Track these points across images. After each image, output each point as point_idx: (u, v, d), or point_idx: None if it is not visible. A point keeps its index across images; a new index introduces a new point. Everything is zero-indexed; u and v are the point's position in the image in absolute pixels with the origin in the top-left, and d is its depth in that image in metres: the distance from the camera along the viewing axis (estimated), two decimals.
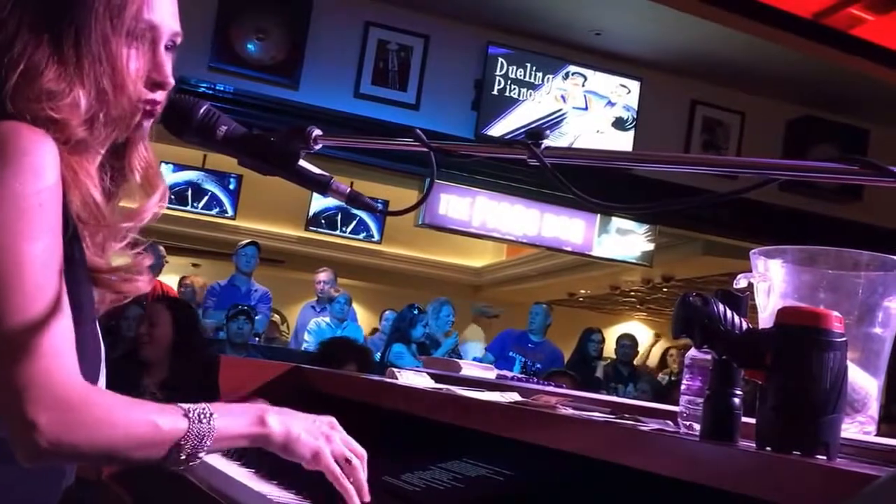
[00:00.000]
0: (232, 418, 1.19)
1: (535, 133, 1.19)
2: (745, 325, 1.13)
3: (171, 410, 1.14)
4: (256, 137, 1.33)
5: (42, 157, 1.10)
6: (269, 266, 9.22)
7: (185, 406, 1.16)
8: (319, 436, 1.26)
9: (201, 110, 1.29)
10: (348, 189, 1.36)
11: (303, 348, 7.09)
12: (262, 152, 1.32)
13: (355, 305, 8.28)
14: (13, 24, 1.15)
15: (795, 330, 1.06)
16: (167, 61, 1.25)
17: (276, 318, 8.73)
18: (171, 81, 1.25)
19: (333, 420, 1.31)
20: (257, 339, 6.90)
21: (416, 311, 6.81)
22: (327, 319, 7.42)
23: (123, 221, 1.26)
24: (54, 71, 1.15)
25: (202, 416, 1.15)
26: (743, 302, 1.20)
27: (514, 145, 1.20)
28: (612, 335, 9.52)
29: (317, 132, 1.32)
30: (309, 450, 1.24)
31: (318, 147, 1.33)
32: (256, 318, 6.71)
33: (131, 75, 1.21)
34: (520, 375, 3.05)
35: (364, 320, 9.31)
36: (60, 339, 1.07)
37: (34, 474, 1.15)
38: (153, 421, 1.12)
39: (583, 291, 13.32)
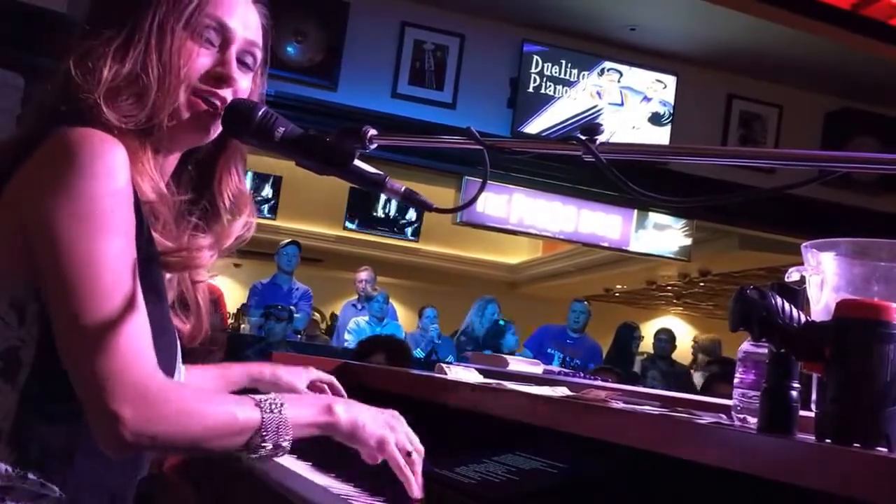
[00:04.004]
0: (301, 408, 1.23)
1: (590, 129, 1.19)
2: (803, 318, 1.13)
3: (245, 401, 1.19)
4: (313, 138, 1.35)
5: (113, 161, 1.13)
6: (309, 265, 9.29)
7: (256, 396, 1.20)
8: (384, 425, 1.30)
9: (260, 112, 1.32)
10: (403, 188, 1.38)
11: (344, 346, 7.15)
12: (319, 153, 1.34)
13: (394, 303, 8.33)
14: (94, 18, 1.22)
15: (856, 322, 1.06)
16: (236, 64, 1.30)
17: (317, 316, 8.81)
18: (233, 76, 1.29)
19: (396, 413, 1.35)
20: (299, 336, 6.96)
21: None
22: (366, 318, 7.47)
23: (209, 245, 1.30)
24: (109, 58, 1.20)
25: (273, 405, 1.18)
26: (800, 295, 1.20)
27: (570, 141, 1.21)
28: (648, 330, 9.49)
29: (372, 132, 1.34)
30: (374, 438, 1.28)
31: (373, 147, 1.35)
32: (297, 315, 6.77)
33: (185, 66, 1.25)
34: (563, 370, 3.05)
35: (403, 317, 9.35)
36: (138, 334, 1.11)
37: (116, 465, 1.19)
38: (231, 411, 1.16)
39: (619, 286, 13.27)
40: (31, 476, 1.13)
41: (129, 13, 1.23)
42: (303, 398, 1.27)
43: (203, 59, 1.27)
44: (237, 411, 1.16)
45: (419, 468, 1.34)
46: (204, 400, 1.16)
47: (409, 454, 1.32)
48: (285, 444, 1.18)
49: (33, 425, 1.14)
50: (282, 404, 1.19)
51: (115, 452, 1.11)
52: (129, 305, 1.10)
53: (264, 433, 1.16)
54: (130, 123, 1.20)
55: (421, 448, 1.35)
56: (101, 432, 1.09)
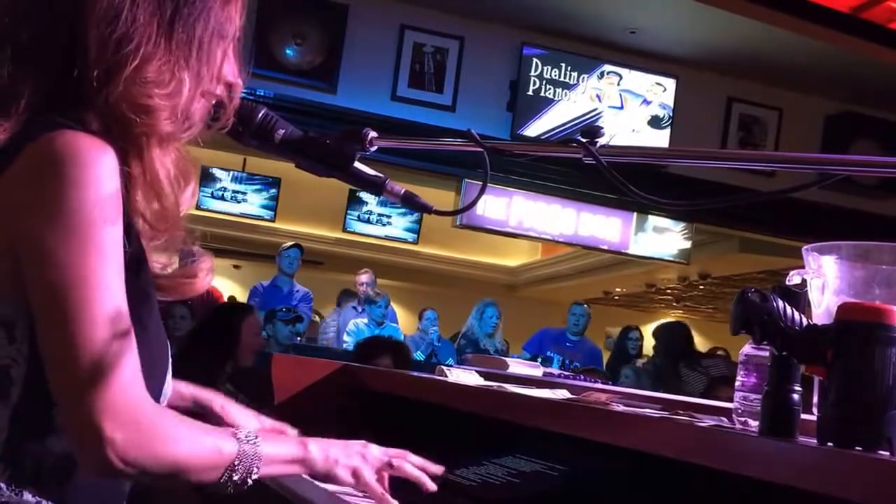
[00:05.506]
0: (276, 444, 1.24)
1: (590, 131, 1.19)
2: (804, 321, 1.13)
3: (225, 433, 1.19)
4: (313, 140, 1.35)
5: (102, 169, 1.08)
6: (309, 267, 9.29)
7: (232, 429, 1.21)
8: (355, 455, 1.31)
9: (260, 114, 1.32)
10: (403, 190, 1.38)
11: (343, 347, 7.14)
12: (319, 155, 1.35)
13: (394, 305, 8.32)
14: (129, 16, 1.14)
15: (858, 325, 1.06)
16: None
17: (317, 318, 8.80)
18: (241, 83, 1.27)
19: (364, 442, 1.35)
20: (299, 338, 6.95)
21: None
22: (366, 321, 7.46)
23: (207, 269, 1.29)
24: (161, 60, 1.15)
25: (249, 438, 1.18)
26: (802, 298, 1.20)
27: (570, 144, 1.21)
28: (648, 333, 9.48)
29: (372, 134, 1.34)
30: (348, 470, 1.29)
31: (374, 149, 1.35)
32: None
33: (220, 74, 1.23)
34: (563, 373, 3.05)
35: (403, 320, 9.35)
36: (129, 357, 1.08)
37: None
38: (216, 443, 1.15)
39: (618, 289, 13.27)
40: (26, 494, 1.10)
41: (183, 20, 1.17)
42: (276, 436, 1.27)
43: (227, 64, 1.25)
44: (221, 444, 1.15)
45: (411, 467, 1.35)
46: (193, 430, 1.15)
47: (390, 465, 1.34)
48: (253, 478, 1.17)
49: (26, 442, 1.11)
50: (256, 437, 1.19)
51: (99, 475, 1.09)
52: (121, 326, 1.07)
53: (236, 464, 1.15)
54: (181, 135, 1.18)
55: (402, 452, 1.36)
56: (88, 455, 1.07)
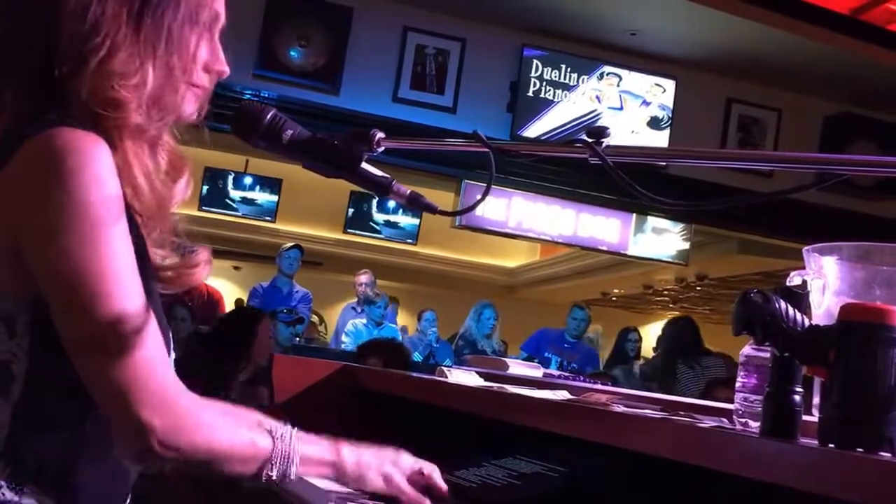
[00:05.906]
0: (311, 445, 1.25)
1: (596, 131, 1.19)
2: (806, 322, 1.14)
3: (261, 429, 1.20)
4: (321, 141, 1.35)
5: (102, 164, 1.08)
6: (308, 268, 9.30)
7: (267, 423, 1.22)
8: (387, 461, 1.33)
9: (269, 115, 1.32)
10: (409, 191, 1.39)
11: (341, 348, 7.15)
12: (327, 156, 1.35)
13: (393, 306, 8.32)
14: (98, 9, 1.14)
15: (860, 326, 1.06)
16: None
17: (315, 318, 8.80)
18: (227, 70, 1.27)
19: (398, 450, 1.37)
20: (297, 339, 6.96)
21: None
22: (364, 321, 7.47)
23: (206, 260, 1.29)
24: (127, 51, 1.15)
25: (284, 436, 1.20)
26: (804, 299, 1.20)
27: (575, 144, 1.21)
28: (645, 334, 9.49)
29: (380, 135, 1.35)
30: (380, 475, 1.31)
31: (381, 150, 1.36)
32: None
33: (197, 62, 1.23)
34: (563, 374, 3.06)
35: (402, 321, 9.35)
36: (154, 343, 1.09)
37: (118, 472, 1.19)
38: (251, 437, 1.17)
39: (616, 291, 13.28)
40: (27, 491, 1.11)
41: (150, 9, 1.17)
42: (311, 436, 1.29)
43: (204, 51, 1.24)
44: (256, 438, 1.18)
45: (438, 479, 1.37)
46: (228, 419, 1.18)
47: (421, 473, 1.35)
48: (291, 476, 1.20)
49: (28, 439, 1.12)
50: (292, 436, 1.21)
51: (138, 461, 1.11)
52: (142, 313, 1.09)
53: (273, 462, 1.17)
54: (152, 125, 1.18)
55: (432, 466, 1.38)
56: (128, 442, 1.09)
